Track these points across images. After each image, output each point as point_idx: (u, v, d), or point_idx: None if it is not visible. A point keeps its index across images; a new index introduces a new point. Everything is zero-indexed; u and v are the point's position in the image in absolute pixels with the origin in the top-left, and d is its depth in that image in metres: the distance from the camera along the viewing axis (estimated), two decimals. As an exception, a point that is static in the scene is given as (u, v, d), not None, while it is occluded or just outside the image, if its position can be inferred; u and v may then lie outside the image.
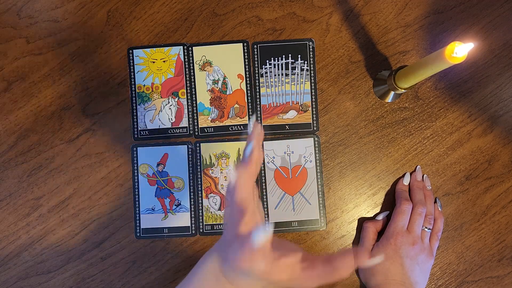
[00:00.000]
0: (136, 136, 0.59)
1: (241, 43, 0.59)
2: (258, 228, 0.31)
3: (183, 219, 0.58)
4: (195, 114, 0.59)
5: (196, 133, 0.59)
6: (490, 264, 0.58)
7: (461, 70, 0.58)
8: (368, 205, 0.58)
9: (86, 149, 0.59)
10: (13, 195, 0.58)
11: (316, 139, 0.58)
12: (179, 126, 0.59)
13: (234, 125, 0.59)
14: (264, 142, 0.58)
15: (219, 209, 0.58)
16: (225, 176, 0.58)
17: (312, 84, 0.59)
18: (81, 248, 0.58)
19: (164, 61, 0.59)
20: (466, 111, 0.58)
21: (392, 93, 0.57)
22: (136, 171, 0.58)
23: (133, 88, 0.59)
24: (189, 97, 0.59)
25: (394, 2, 0.59)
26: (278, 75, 0.59)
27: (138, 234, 0.58)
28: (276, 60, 0.59)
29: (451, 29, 0.59)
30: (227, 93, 0.59)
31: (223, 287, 0.35)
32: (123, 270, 0.58)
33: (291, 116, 0.59)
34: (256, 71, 0.59)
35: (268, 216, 0.58)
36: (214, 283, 0.36)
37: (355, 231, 0.58)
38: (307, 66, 0.59)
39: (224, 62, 0.59)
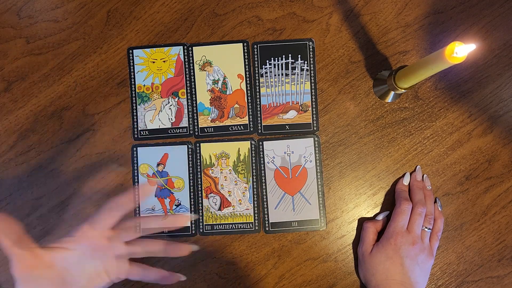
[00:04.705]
0: (136, 136, 0.59)
1: (241, 43, 0.59)
2: None
3: (183, 219, 0.58)
4: (195, 114, 0.59)
5: (196, 133, 0.59)
6: (490, 264, 0.58)
7: (461, 70, 0.58)
8: (368, 205, 0.58)
9: (86, 149, 0.59)
10: (13, 195, 0.59)
11: (316, 139, 0.58)
12: (179, 126, 0.59)
13: (234, 125, 0.59)
14: (264, 142, 0.58)
15: (219, 209, 0.58)
16: (225, 176, 0.58)
17: (312, 84, 0.59)
18: (81, 248, 0.58)
19: (164, 61, 0.59)
20: (466, 111, 0.58)
21: (392, 93, 0.57)
22: (136, 171, 0.58)
23: (133, 88, 0.59)
24: (189, 97, 0.59)
25: (394, 2, 0.59)
26: (278, 75, 0.59)
27: (138, 234, 0.58)
28: (276, 60, 0.59)
29: (451, 29, 0.59)
30: (227, 93, 0.59)
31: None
32: (123, 270, 0.58)
33: (291, 116, 0.59)
34: (256, 71, 0.59)
35: (268, 216, 0.58)
36: None
37: (355, 231, 0.58)
38: (307, 66, 0.59)
39: (224, 62, 0.59)
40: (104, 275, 0.46)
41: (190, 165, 0.58)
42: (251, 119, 0.59)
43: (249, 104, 0.59)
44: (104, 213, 0.47)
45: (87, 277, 0.45)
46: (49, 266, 0.41)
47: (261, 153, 0.58)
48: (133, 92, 0.59)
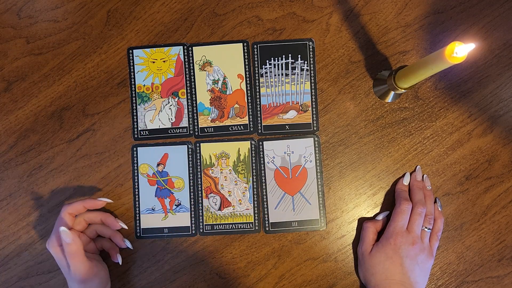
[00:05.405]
0: (136, 136, 0.59)
1: (241, 43, 0.59)
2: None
3: (183, 219, 0.58)
4: (195, 114, 0.59)
5: (196, 133, 0.59)
6: (490, 264, 0.58)
7: (461, 70, 0.58)
8: (368, 205, 0.58)
9: (86, 149, 0.59)
10: (13, 195, 0.59)
11: (316, 139, 0.58)
12: (179, 126, 0.59)
13: (234, 125, 0.59)
14: (264, 142, 0.58)
15: (219, 209, 0.58)
16: (225, 176, 0.58)
17: (312, 84, 0.59)
18: (81, 248, 0.58)
19: (164, 61, 0.59)
20: (466, 111, 0.58)
21: (392, 93, 0.57)
22: (136, 171, 0.58)
23: (133, 88, 0.59)
24: (189, 97, 0.59)
25: (394, 2, 0.59)
26: (278, 75, 0.59)
27: (138, 234, 0.58)
28: (276, 60, 0.59)
29: (451, 29, 0.59)
30: (227, 93, 0.59)
31: None
32: (123, 270, 0.58)
33: (291, 116, 0.59)
34: (256, 71, 0.59)
35: (268, 216, 0.58)
36: None
37: (355, 231, 0.58)
38: (307, 66, 0.59)
39: (224, 62, 0.59)
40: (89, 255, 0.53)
41: (190, 165, 0.58)
42: (251, 119, 0.59)
43: (249, 104, 0.59)
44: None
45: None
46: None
47: (261, 153, 0.58)
48: (133, 92, 0.59)
